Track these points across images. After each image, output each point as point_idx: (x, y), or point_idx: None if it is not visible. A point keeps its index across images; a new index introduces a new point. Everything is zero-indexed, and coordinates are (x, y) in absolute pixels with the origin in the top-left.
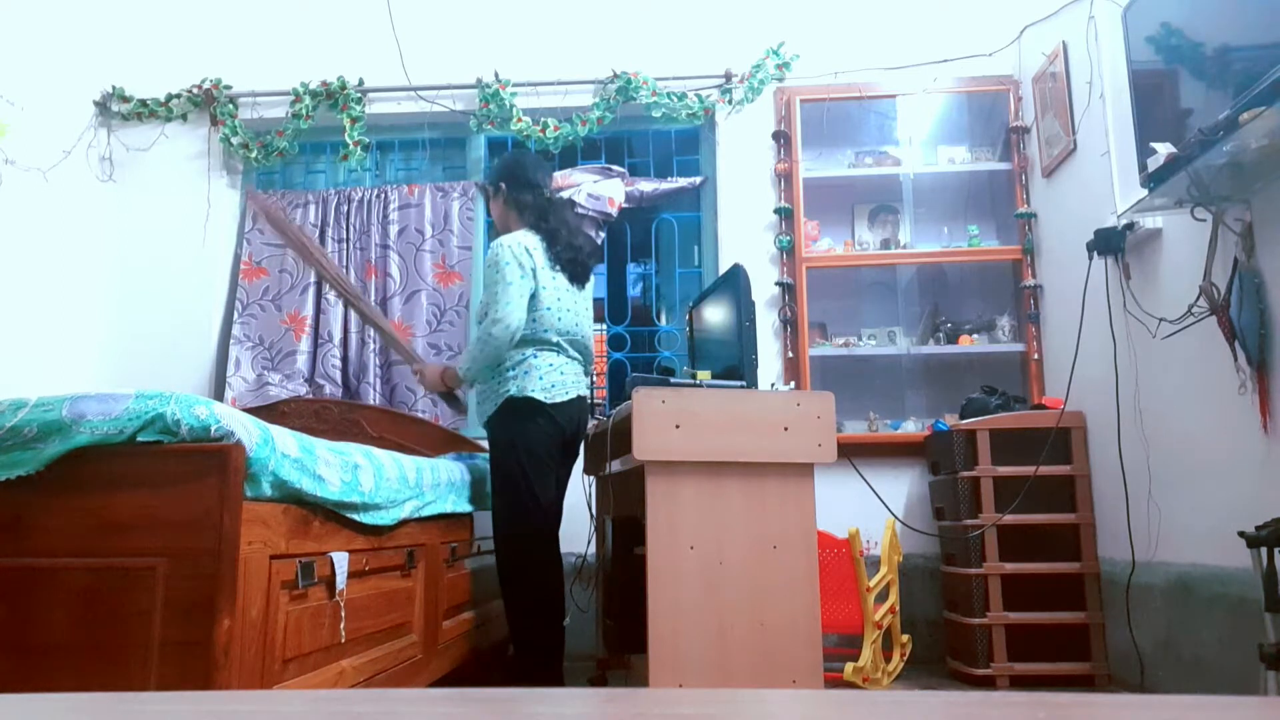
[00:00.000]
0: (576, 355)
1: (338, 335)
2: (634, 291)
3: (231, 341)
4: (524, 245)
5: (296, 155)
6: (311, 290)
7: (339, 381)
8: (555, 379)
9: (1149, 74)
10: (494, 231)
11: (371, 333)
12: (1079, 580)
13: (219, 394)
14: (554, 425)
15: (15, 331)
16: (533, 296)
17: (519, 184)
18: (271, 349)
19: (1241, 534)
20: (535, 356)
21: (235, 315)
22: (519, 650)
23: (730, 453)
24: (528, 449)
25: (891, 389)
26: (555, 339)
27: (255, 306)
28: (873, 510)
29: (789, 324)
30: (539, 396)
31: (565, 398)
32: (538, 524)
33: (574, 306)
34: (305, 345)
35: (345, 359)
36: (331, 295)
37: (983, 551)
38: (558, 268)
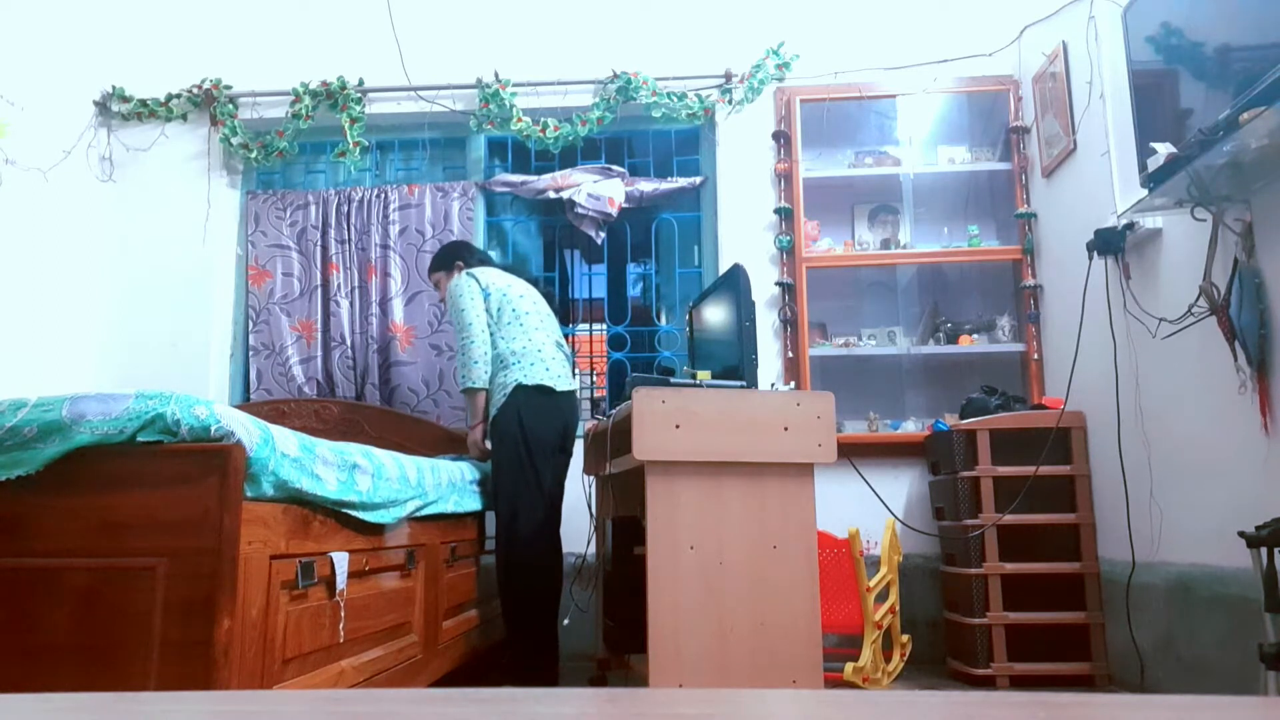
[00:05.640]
0: (568, 353)
1: (349, 338)
2: (634, 291)
3: (250, 354)
4: (475, 274)
5: (296, 155)
6: (319, 293)
7: (352, 382)
8: (559, 370)
9: (1149, 74)
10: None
11: (374, 332)
12: (1079, 580)
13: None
14: (559, 411)
15: (15, 331)
16: (517, 300)
17: (464, 259)
18: (282, 353)
19: (1241, 534)
20: (540, 350)
21: (250, 326)
22: (514, 643)
23: (730, 453)
24: (535, 432)
25: (891, 389)
26: (552, 337)
27: (265, 312)
28: (873, 510)
29: (789, 324)
30: (548, 382)
31: (568, 387)
32: (541, 510)
33: (549, 316)
34: (317, 350)
35: (354, 360)
36: (339, 297)
37: (983, 551)
38: (522, 287)
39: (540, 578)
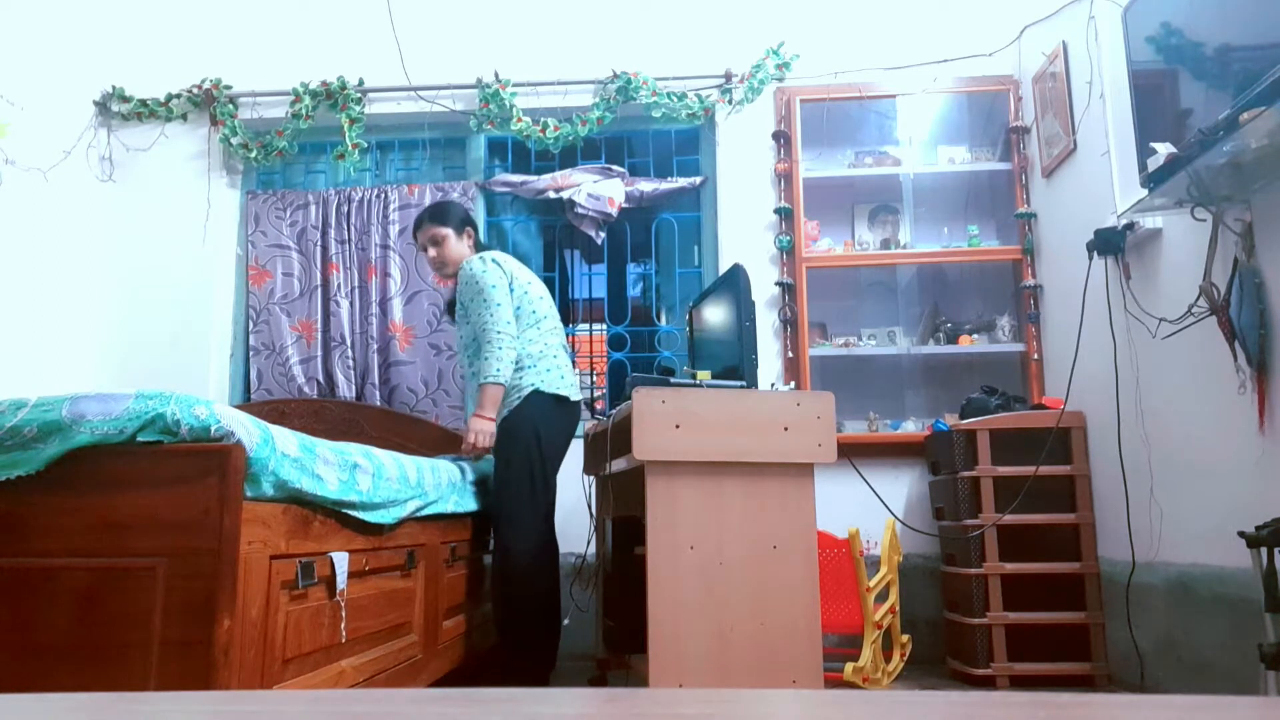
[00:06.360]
0: (571, 356)
1: (349, 338)
2: (634, 291)
3: (250, 354)
4: (499, 262)
5: (296, 155)
6: (319, 293)
7: (352, 382)
8: (572, 379)
9: (1149, 74)
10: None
11: (374, 332)
12: (1079, 580)
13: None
14: (570, 422)
15: (15, 331)
16: (537, 300)
17: (474, 226)
18: (282, 353)
19: (1241, 534)
20: (556, 356)
21: (250, 326)
22: (510, 650)
23: (730, 453)
24: (550, 440)
25: (891, 389)
26: (562, 341)
27: (265, 312)
28: (873, 510)
29: (789, 324)
30: (564, 391)
31: (579, 397)
32: (542, 517)
33: (558, 318)
34: (317, 350)
35: (354, 360)
36: (339, 297)
37: (983, 551)
38: (540, 287)
39: (541, 585)
